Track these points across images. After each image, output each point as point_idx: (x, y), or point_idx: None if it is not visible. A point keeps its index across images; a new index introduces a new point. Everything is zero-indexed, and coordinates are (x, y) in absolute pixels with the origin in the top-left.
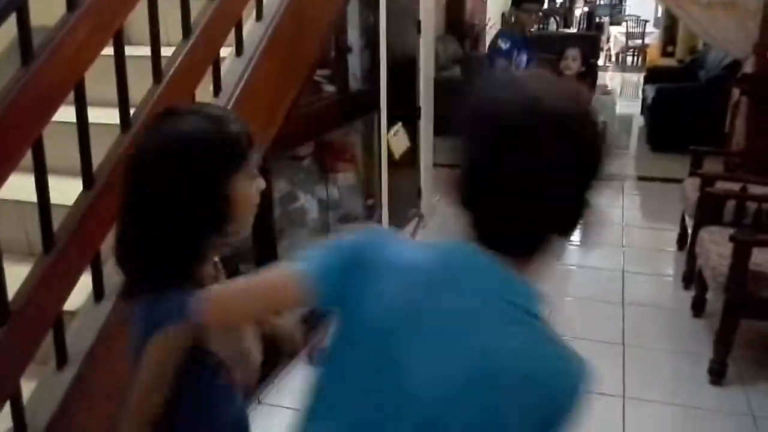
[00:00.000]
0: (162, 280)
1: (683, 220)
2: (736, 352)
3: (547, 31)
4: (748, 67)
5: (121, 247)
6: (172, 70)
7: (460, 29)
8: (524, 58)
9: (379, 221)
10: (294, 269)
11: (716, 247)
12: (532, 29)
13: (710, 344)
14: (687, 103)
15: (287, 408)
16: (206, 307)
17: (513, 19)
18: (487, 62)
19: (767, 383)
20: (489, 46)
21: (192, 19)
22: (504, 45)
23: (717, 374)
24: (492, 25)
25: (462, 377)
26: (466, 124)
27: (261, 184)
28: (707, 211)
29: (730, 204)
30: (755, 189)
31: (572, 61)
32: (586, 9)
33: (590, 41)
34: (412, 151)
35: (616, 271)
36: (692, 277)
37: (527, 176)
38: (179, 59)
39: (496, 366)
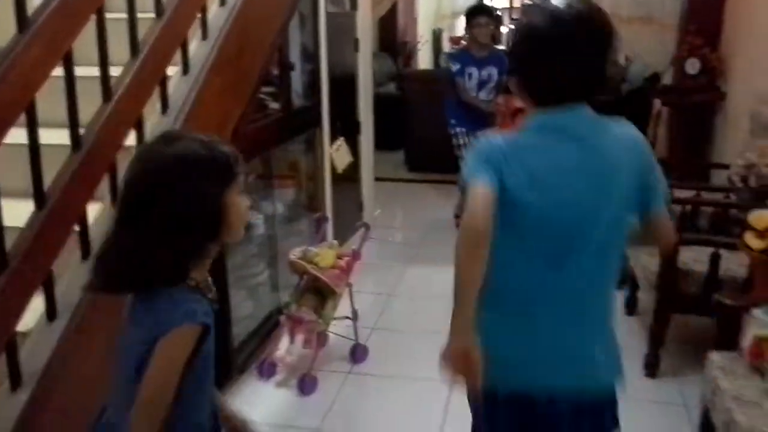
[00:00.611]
0: (161, 280)
1: None
2: (668, 346)
3: None
4: (667, 79)
5: (113, 249)
6: (121, 89)
7: (393, 47)
8: (481, 73)
9: (325, 234)
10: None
11: (646, 247)
12: (486, 42)
13: (644, 339)
14: (611, 114)
15: None
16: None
17: (467, 36)
18: (449, 83)
19: (698, 374)
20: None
21: (139, 39)
22: (454, 67)
23: (651, 367)
24: (424, 43)
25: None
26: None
27: (246, 201)
28: None
29: None
30: (679, 193)
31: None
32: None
33: None
34: (354, 165)
35: None
36: (624, 278)
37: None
38: (127, 78)
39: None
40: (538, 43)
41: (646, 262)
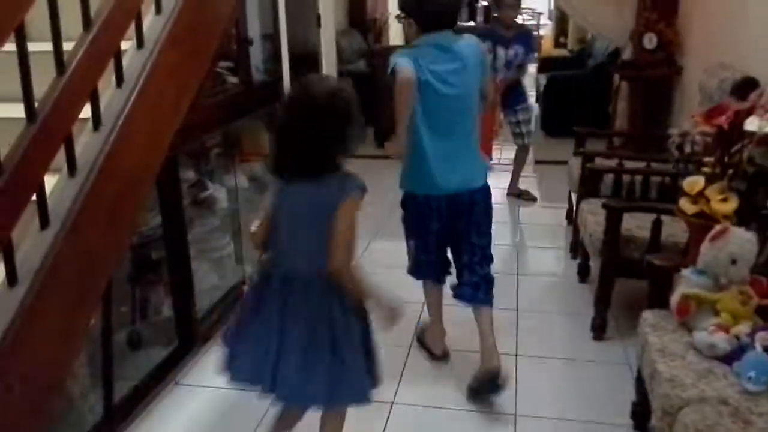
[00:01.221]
0: (332, 168)
1: (570, 196)
2: (616, 310)
3: None
4: (626, 54)
5: (297, 151)
6: (74, 62)
7: (362, 23)
8: (512, 52)
9: None
10: (404, 73)
11: (593, 216)
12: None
13: (593, 305)
14: (575, 90)
15: (205, 388)
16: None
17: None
18: None
19: None
20: None
21: (92, 13)
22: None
23: (598, 329)
24: (394, 19)
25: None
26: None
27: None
28: (587, 186)
29: (609, 179)
30: (631, 164)
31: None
32: (484, 3)
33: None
34: None
35: (512, 247)
36: (577, 247)
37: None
38: (80, 52)
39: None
40: None
41: (592, 230)
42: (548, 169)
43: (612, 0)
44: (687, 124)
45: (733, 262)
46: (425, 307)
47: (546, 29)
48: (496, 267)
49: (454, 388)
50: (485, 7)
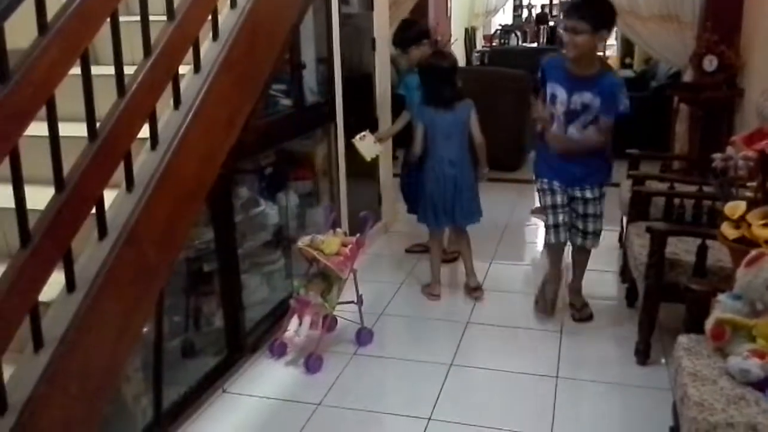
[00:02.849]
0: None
1: (622, 219)
2: (662, 336)
3: (509, 46)
4: (687, 77)
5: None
6: (135, 86)
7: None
8: (578, 99)
9: (334, 223)
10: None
11: (639, 239)
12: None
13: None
14: (636, 111)
15: (251, 396)
16: None
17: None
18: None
19: None
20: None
21: (153, 40)
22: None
23: (642, 354)
24: (455, 41)
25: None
26: None
27: None
28: (636, 209)
29: (660, 203)
30: (684, 188)
31: None
32: (551, 23)
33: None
34: (373, 161)
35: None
36: (626, 270)
37: None
38: (140, 76)
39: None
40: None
41: (637, 253)
42: (608, 192)
43: (673, 22)
44: (730, 149)
45: None
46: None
47: (612, 50)
48: (532, 289)
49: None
50: (551, 28)
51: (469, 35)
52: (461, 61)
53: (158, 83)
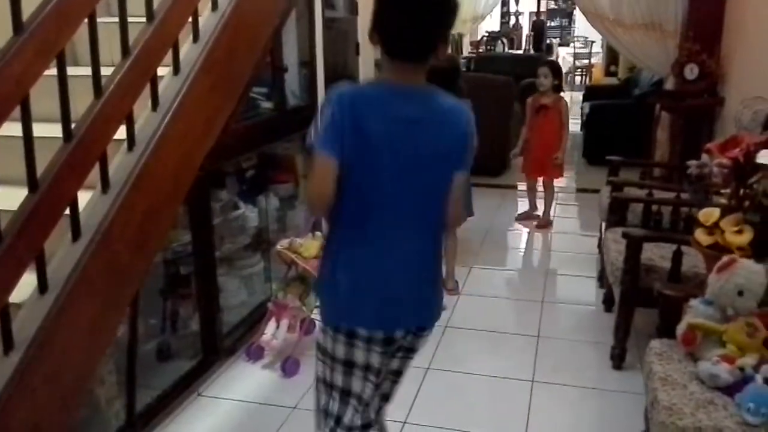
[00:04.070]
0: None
1: (601, 225)
2: (639, 341)
3: (495, 53)
4: (669, 85)
5: None
6: (112, 87)
7: None
8: None
9: (320, 229)
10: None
11: (616, 245)
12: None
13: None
14: (618, 118)
15: (226, 399)
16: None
17: None
18: None
19: None
20: None
21: (131, 41)
22: None
23: (617, 359)
24: None
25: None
26: None
27: None
28: (614, 215)
29: (638, 209)
30: (662, 194)
31: (544, 78)
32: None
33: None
34: None
35: (541, 274)
36: (604, 276)
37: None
38: (118, 77)
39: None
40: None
41: (613, 258)
42: (588, 198)
43: (656, 31)
44: (705, 156)
45: (740, 293)
46: None
47: (598, 58)
48: (521, 294)
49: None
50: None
51: (456, 41)
52: None
53: (136, 84)
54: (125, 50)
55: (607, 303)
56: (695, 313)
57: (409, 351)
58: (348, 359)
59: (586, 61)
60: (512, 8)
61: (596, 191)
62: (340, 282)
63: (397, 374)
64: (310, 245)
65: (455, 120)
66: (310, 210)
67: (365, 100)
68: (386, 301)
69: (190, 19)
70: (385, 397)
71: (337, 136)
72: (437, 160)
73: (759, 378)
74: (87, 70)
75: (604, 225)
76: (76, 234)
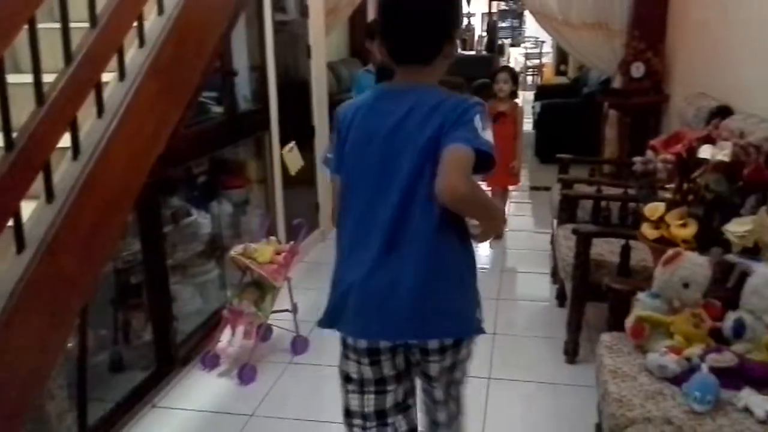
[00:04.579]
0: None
1: (553, 222)
2: (592, 335)
3: None
4: (616, 83)
5: None
6: (54, 94)
7: (363, 52)
8: None
9: (275, 234)
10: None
11: (566, 241)
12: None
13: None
14: (568, 117)
15: (181, 410)
16: None
17: None
18: None
19: None
20: None
21: (75, 47)
22: None
23: (571, 353)
24: None
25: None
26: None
27: None
28: (565, 212)
29: (588, 205)
30: (610, 191)
31: (504, 83)
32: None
33: (488, 62)
34: (309, 169)
35: (497, 271)
36: (557, 272)
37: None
38: (61, 84)
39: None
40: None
41: (564, 254)
42: (541, 195)
43: (603, 30)
44: (650, 152)
45: (686, 285)
46: None
47: (549, 58)
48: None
49: None
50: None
51: None
52: None
53: (80, 91)
54: (68, 56)
55: (560, 298)
56: (643, 306)
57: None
58: (344, 371)
59: (537, 61)
60: (464, 10)
61: (548, 189)
62: (332, 285)
63: (429, 378)
64: (265, 250)
65: (445, 107)
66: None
67: (353, 109)
68: (364, 307)
69: (135, 24)
70: (434, 402)
71: (336, 155)
72: (420, 149)
73: (704, 367)
74: (29, 78)
75: (555, 222)
76: (20, 246)
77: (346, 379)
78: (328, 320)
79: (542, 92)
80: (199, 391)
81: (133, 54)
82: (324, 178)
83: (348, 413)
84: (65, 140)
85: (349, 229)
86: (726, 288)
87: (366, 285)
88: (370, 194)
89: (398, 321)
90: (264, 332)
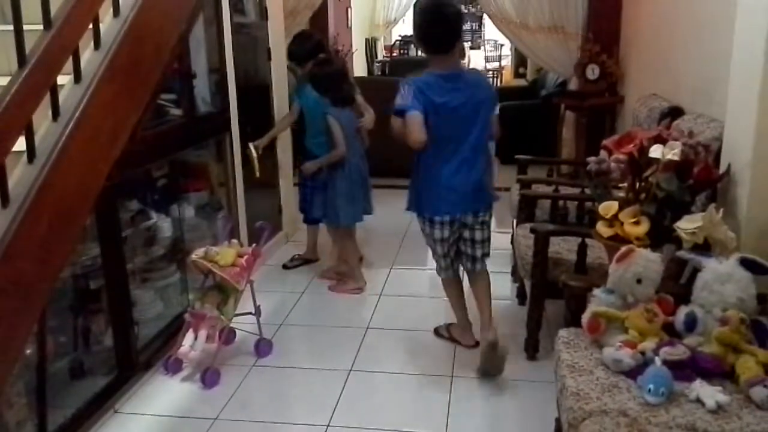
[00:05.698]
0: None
1: (513, 222)
2: (552, 331)
3: (409, 57)
4: (572, 85)
5: None
6: (8, 97)
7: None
8: None
9: (237, 237)
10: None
11: (525, 240)
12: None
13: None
14: (526, 119)
15: (143, 415)
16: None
17: None
18: None
19: None
20: None
21: (29, 49)
22: None
23: (531, 350)
24: (356, 51)
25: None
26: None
27: None
28: (523, 212)
29: (546, 205)
30: (568, 190)
31: None
32: None
33: None
34: (272, 171)
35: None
36: (517, 270)
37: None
38: (15, 87)
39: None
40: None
41: (523, 253)
42: (501, 196)
43: (559, 33)
44: (603, 152)
45: (639, 281)
46: None
47: (508, 60)
48: (442, 292)
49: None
50: None
51: (370, 45)
52: (362, 71)
53: (35, 94)
54: (21, 59)
55: (521, 296)
56: (598, 301)
57: (474, 226)
58: (431, 234)
59: (497, 64)
60: None
61: (508, 189)
62: (423, 189)
63: (473, 241)
64: (227, 253)
65: (481, 83)
66: (413, 147)
67: (426, 84)
68: (450, 196)
69: (90, 26)
70: (473, 255)
71: (419, 102)
72: (478, 108)
73: (658, 360)
74: None
75: (515, 222)
76: None
77: (439, 239)
78: (432, 208)
79: (502, 94)
80: (162, 395)
81: (89, 56)
82: (287, 182)
83: (436, 254)
84: (20, 144)
85: (444, 154)
86: (678, 283)
87: (465, 181)
88: (460, 133)
89: (475, 201)
90: (227, 335)
